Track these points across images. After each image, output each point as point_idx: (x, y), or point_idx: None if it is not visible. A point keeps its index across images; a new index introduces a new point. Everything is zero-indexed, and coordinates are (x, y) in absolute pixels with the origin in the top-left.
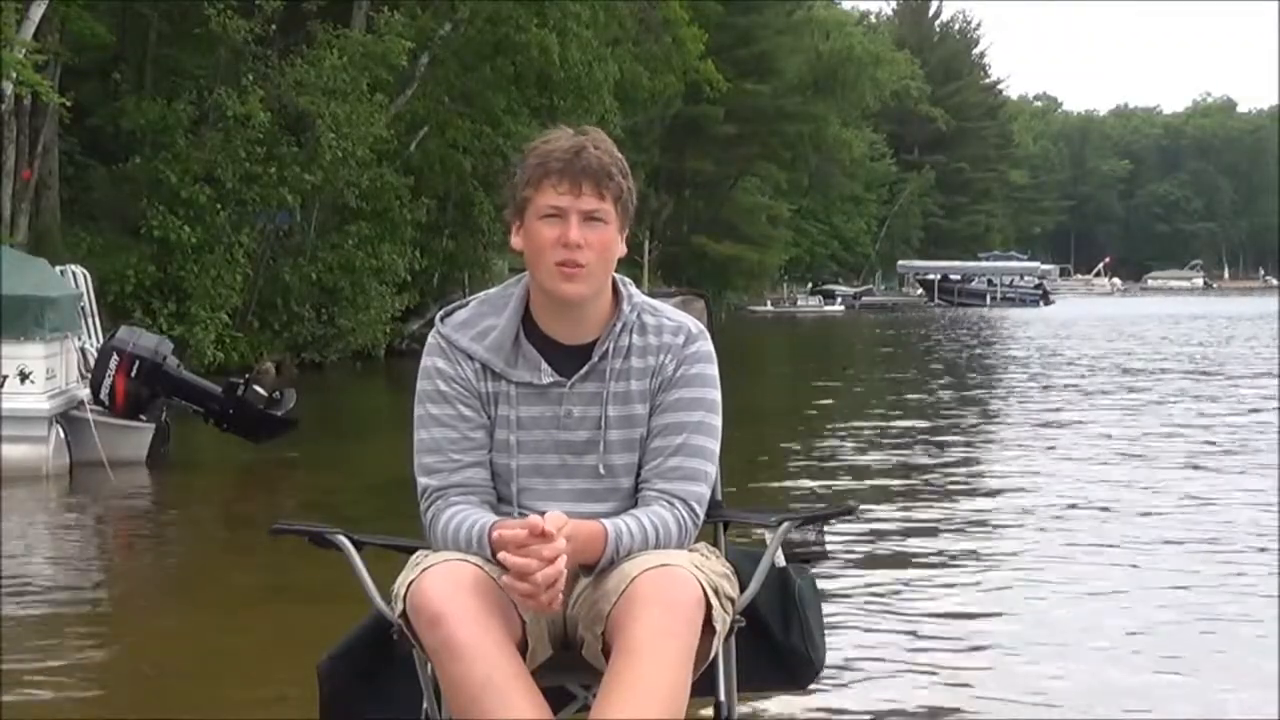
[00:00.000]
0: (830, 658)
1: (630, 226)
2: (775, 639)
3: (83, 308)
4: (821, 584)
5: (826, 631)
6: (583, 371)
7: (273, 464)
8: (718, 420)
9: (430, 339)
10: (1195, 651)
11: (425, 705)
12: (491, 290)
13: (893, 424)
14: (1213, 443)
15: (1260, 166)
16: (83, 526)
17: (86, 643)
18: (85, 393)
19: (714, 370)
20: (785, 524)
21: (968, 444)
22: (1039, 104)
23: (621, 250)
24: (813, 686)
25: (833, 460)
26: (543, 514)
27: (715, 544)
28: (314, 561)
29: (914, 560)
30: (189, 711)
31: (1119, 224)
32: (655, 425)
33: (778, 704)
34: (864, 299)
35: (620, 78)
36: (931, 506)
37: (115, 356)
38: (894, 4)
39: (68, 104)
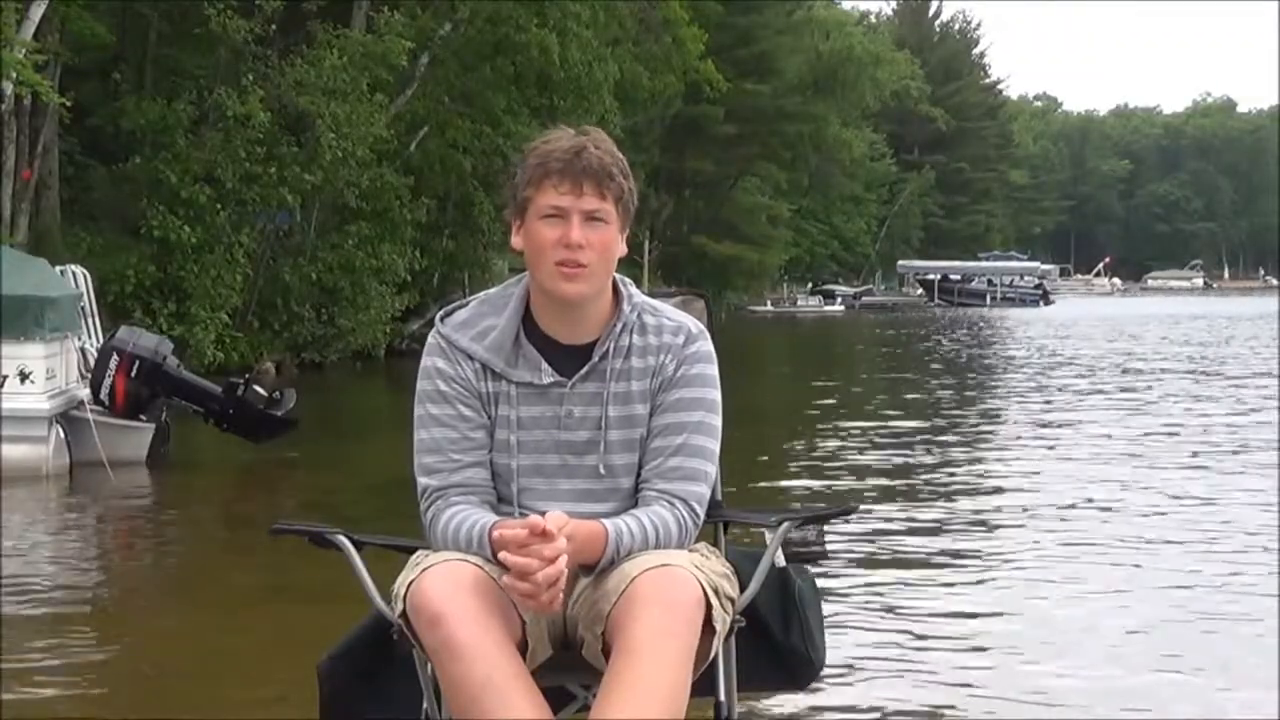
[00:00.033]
0: (830, 657)
1: (630, 226)
2: (775, 639)
3: (83, 308)
4: (821, 584)
5: (826, 631)
6: (583, 372)
7: (273, 464)
8: (718, 420)
9: (430, 339)
10: (1195, 651)
11: (425, 705)
12: (491, 290)
13: (893, 424)
14: (1213, 443)
15: (1260, 166)
16: (83, 526)
17: (86, 643)
18: (85, 393)
19: (714, 370)
20: (785, 524)
21: (968, 444)
22: (1039, 104)
23: (622, 250)
24: (813, 686)
25: (833, 460)
26: (543, 514)
27: (715, 544)
28: (314, 561)
29: (914, 560)
30: (189, 711)
31: (1119, 224)
32: (655, 425)
33: (778, 704)
34: (864, 299)
35: (620, 78)
36: (932, 506)
37: (115, 356)
38: (894, 4)
39: (68, 104)
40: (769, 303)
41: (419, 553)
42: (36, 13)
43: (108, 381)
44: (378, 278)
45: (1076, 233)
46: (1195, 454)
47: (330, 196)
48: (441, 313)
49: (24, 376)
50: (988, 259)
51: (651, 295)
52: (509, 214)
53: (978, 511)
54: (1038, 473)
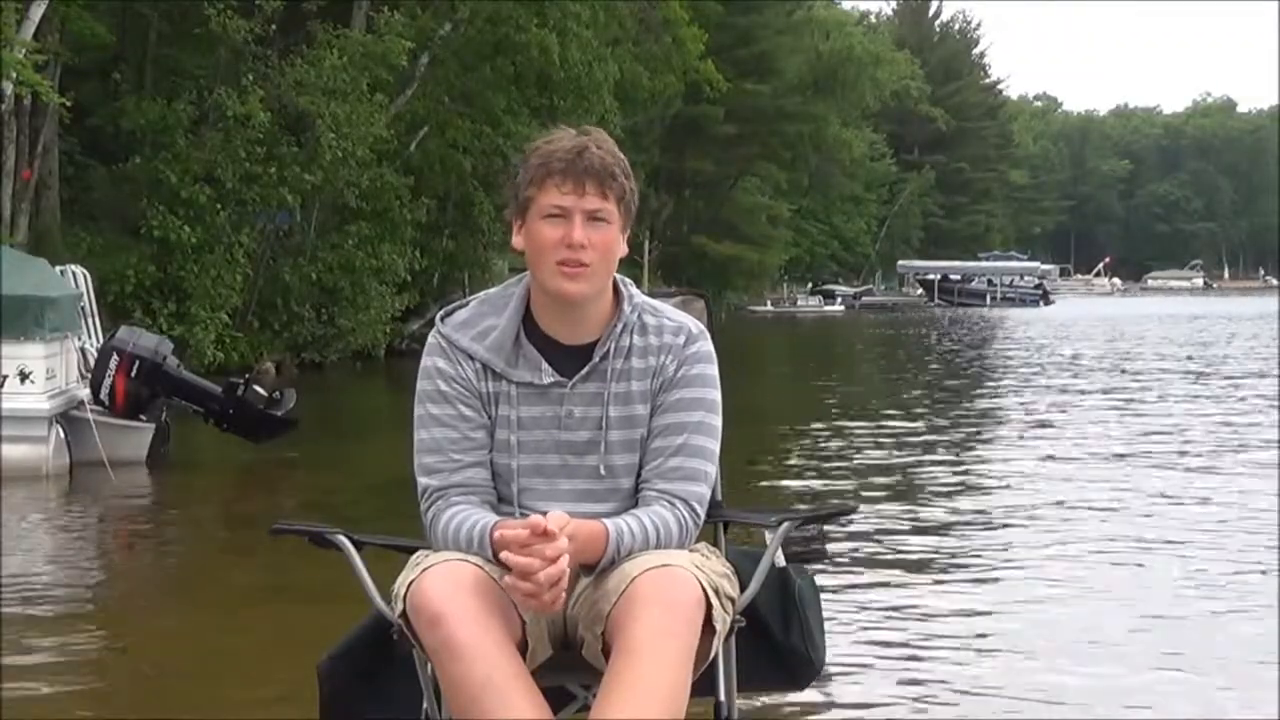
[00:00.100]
0: (830, 657)
1: (631, 227)
2: (775, 639)
3: (83, 308)
4: (821, 584)
5: (826, 631)
6: (584, 372)
7: (273, 464)
8: (718, 420)
9: (430, 339)
10: (1195, 651)
11: (425, 705)
12: (492, 290)
13: (892, 424)
14: (1213, 442)
15: (1260, 166)
16: (83, 526)
17: (86, 642)
18: (85, 393)
19: (714, 370)
20: (785, 524)
21: (968, 444)
22: (1039, 104)
23: (623, 250)
24: (812, 686)
25: (833, 460)
26: (544, 514)
27: (715, 544)
28: (314, 561)
29: (914, 560)
30: (189, 711)
31: (1119, 224)
32: (656, 425)
33: (778, 704)
34: (864, 299)
35: (620, 78)
36: (932, 506)
37: (115, 356)
38: (894, 4)
39: (68, 104)
40: (769, 303)
41: (419, 553)
42: (36, 13)
43: (108, 381)
44: (378, 278)
45: (1076, 233)
46: (1195, 454)
47: (330, 196)
48: (442, 313)
49: (24, 376)
50: (988, 259)
51: (651, 295)
52: (510, 214)
53: (978, 511)
54: (1037, 472)
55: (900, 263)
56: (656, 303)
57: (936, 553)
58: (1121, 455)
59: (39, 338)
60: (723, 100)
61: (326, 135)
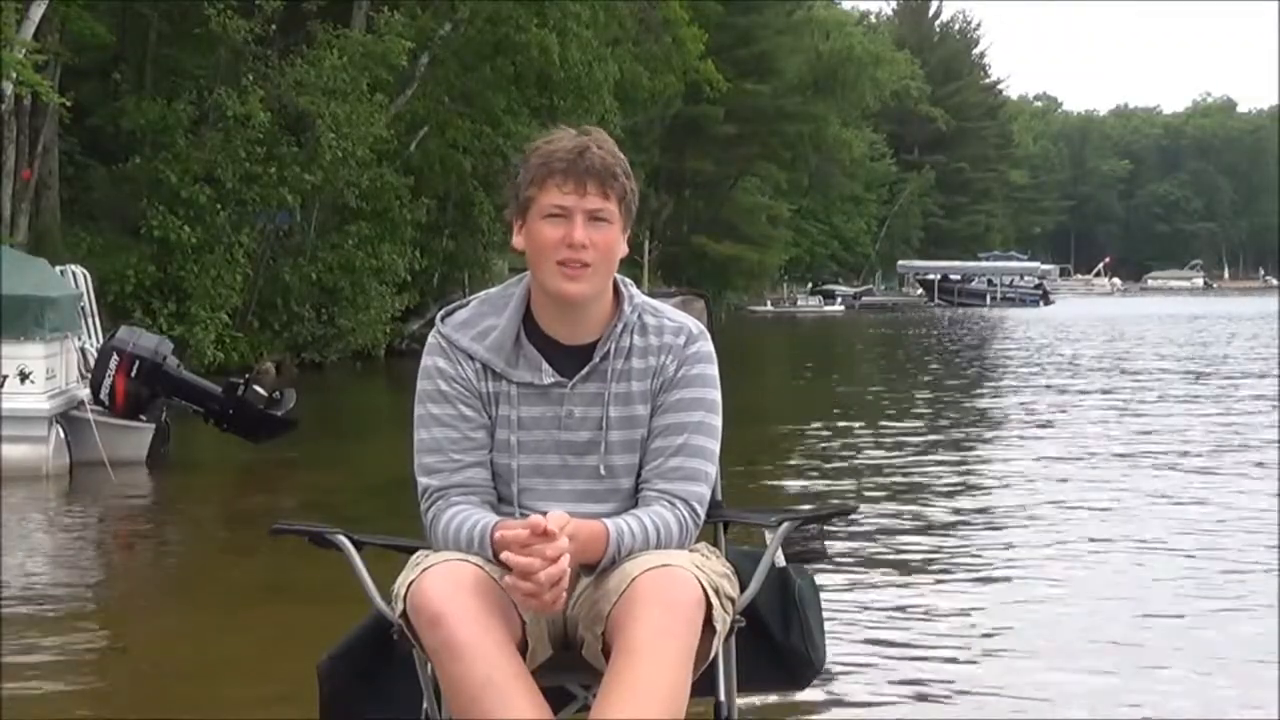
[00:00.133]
0: (830, 657)
1: (631, 227)
2: (775, 639)
3: (83, 308)
4: (821, 584)
5: (827, 631)
6: (584, 372)
7: (273, 464)
8: (718, 420)
9: (431, 339)
10: (1195, 651)
11: (425, 705)
12: (492, 290)
13: (892, 423)
14: (1213, 442)
15: (1260, 166)
16: (83, 526)
17: (86, 642)
18: (85, 393)
19: (714, 370)
20: (785, 524)
21: (968, 444)
22: (1039, 104)
23: (624, 250)
24: (813, 686)
25: (833, 460)
26: (544, 514)
27: (715, 544)
28: (314, 561)
29: (914, 560)
30: (189, 711)
31: (1119, 224)
32: (656, 426)
33: (778, 704)
34: (864, 299)
35: (620, 78)
36: (931, 506)
37: (115, 356)
38: (894, 4)
39: (68, 104)
40: (769, 303)
41: (419, 553)
42: (36, 13)
43: (108, 381)
44: (378, 278)
45: (1076, 233)
46: (1195, 454)
47: (330, 196)
48: (442, 312)
49: (24, 376)
50: (988, 259)
51: (651, 295)
52: (510, 214)
53: (978, 511)
54: (1037, 472)
55: (900, 263)
56: (657, 303)
57: (937, 553)
58: (1121, 455)
59: (39, 338)
60: (723, 100)
61: (326, 135)
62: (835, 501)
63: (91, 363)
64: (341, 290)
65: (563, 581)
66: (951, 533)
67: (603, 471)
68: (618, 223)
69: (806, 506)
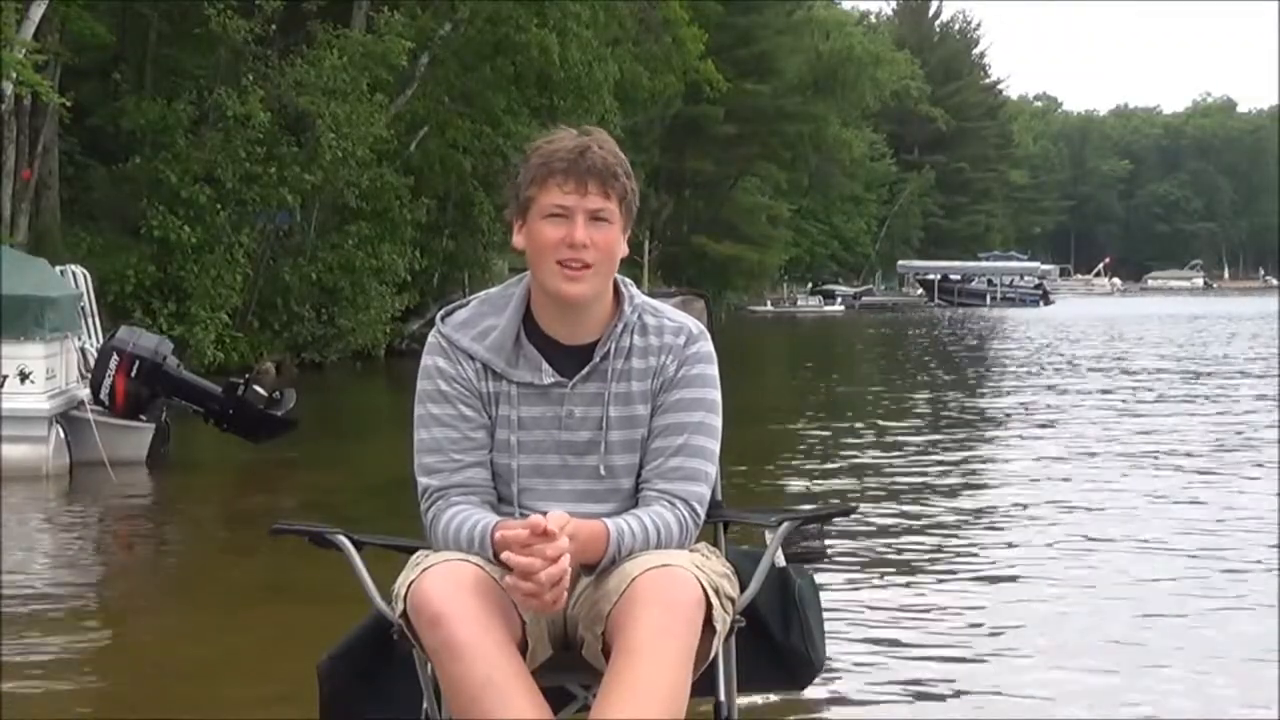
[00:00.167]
0: (830, 657)
1: (631, 227)
2: (775, 639)
3: (83, 308)
4: (821, 584)
5: (826, 631)
6: (584, 372)
7: (273, 464)
8: (718, 420)
9: (431, 339)
10: (1195, 649)
11: (425, 705)
12: (492, 290)
13: (892, 423)
14: (1213, 442)
15: (1260, 166)
16: (83, 526)
17: (86, 642)
18: (85, 393)
19: (714, 371)
20: (785, 524)
21: (968, 443)
22: (1039, 104)
23: (624, 250)
24: (813, 686)
25: (833, 460)
26: (544, 514)
27: (715, 544)
28: (314, 561)
29: (914, 559)
30: (189, 711)
31: (1119, 224)
32: (656, 426)
33: (778, 704)
34: (864, 299)
35: (620, 78)
36: (932, 506)
37: (115, 356)
38: (894, 4)
39: (68, 104)
40: (769, 303)
41: (419, 553)
42: (36, 13)
43: (108, 381)
44: (378, 278)
45: (1076, 233)
46: (1195, 454)
47: (330, 196)
48: (442, 312)
49: (24, 376)
50: (988, 259)
51: (652, 295)
52: (510, 213)
53: (978, 511)
54: (1037, 472)
55: (900, 263)
56: (657, 303)
57: (937, 552)
58: (1121, 455)
59: (39, 338)
60: (723, 100)
61: (326, 135)
62: (835, 501)
63: (91, 363)
64: (341, 290)
65: (563, 581)
66: (951, 532)
67: (603, 471)
68: (618, 223)
69: (806, 506)
